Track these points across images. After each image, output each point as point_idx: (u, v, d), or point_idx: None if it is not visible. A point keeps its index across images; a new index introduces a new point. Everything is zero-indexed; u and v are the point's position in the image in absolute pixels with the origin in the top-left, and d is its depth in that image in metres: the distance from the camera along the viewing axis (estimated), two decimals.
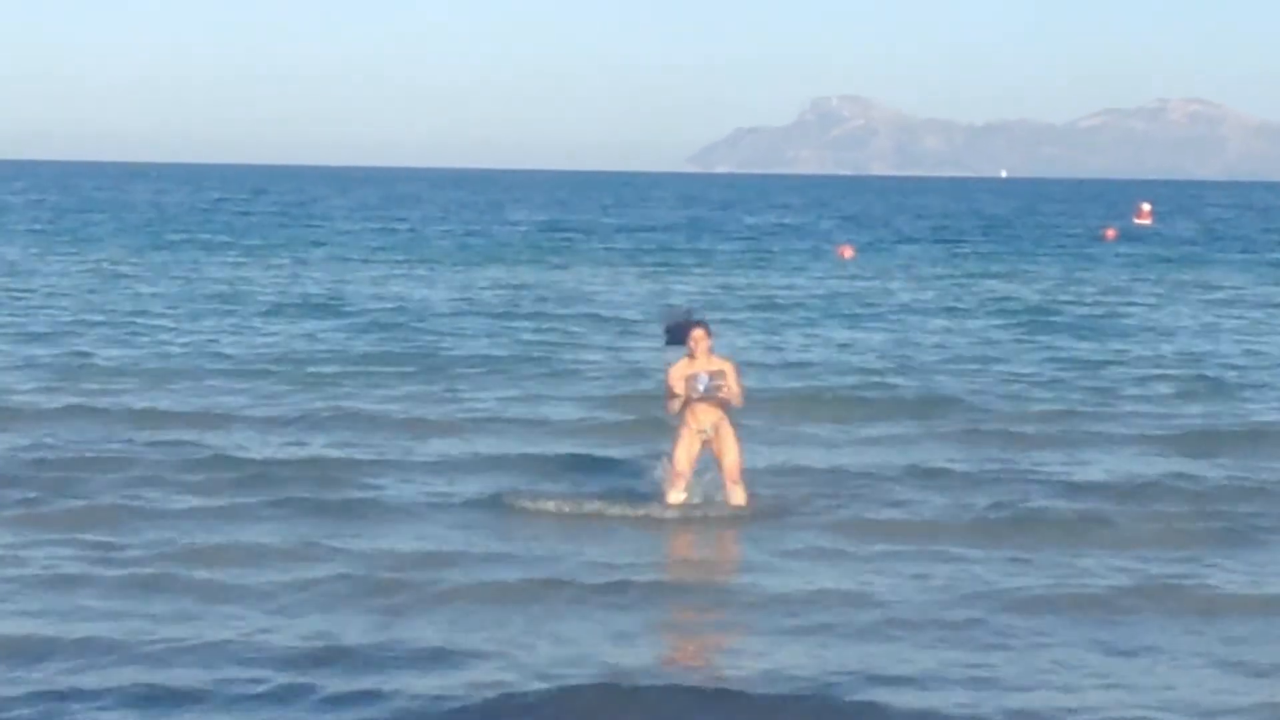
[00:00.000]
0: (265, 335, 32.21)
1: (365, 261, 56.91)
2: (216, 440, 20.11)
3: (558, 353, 30.08)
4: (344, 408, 22.76)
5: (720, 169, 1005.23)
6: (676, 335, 16.44)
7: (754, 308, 40.71)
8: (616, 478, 18.32)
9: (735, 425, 16.51)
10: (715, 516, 16.39)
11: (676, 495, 16.57)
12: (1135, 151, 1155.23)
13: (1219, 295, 46.53)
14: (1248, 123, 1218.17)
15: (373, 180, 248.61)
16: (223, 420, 21.65)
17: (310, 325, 34.38)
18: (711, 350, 16.33)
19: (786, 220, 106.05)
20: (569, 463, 19.25)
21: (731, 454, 16.44)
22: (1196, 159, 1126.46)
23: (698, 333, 16.26)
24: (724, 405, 16.32)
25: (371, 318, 36.38)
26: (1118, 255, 67.83)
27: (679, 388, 16.17)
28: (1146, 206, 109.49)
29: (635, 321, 36.47)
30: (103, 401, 23.02)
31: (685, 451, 16.44)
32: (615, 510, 16.52)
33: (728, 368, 16.36)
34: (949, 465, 19.33)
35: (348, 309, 38.31)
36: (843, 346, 31.97)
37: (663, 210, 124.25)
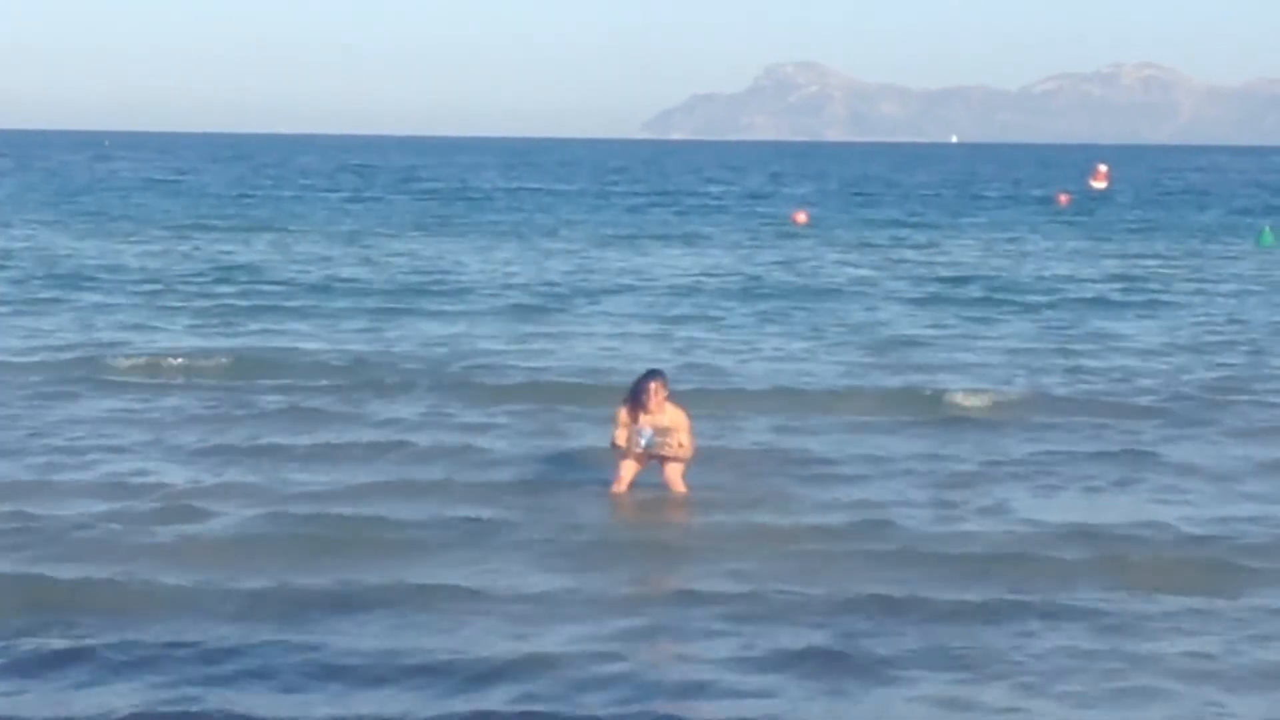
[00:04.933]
0: None
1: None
2: None
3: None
4: None
5: (675, 135, 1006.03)
6: (636, 389, 15.64)
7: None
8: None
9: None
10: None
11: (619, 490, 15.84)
12: (1090, 116, 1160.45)
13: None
14: (1199, 86, 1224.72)
15: (316, 148, 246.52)
16: None
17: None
18: (668, 399, 15.56)
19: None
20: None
21: (675, 473, 15.68)
22: (1150, 123, 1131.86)
23: (653, 385, 15.51)
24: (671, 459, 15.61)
25: None
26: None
27: (620, 439, 15.50)
28: (1103, 168, 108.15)
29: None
30: None
31: (628, 469, 15.73)
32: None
33: (680, 421, 15.54)
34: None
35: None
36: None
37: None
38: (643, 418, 15.47)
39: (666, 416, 15.48)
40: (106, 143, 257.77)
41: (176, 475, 16.46)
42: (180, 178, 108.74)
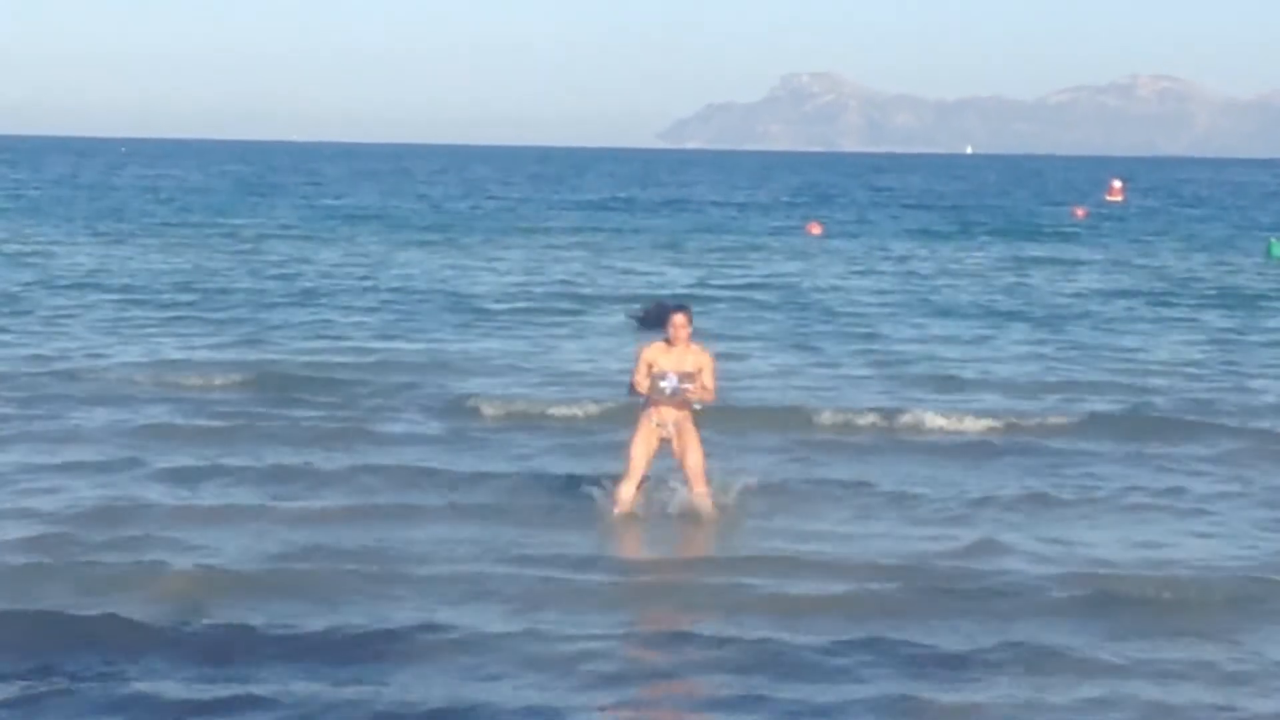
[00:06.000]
0: None
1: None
2: None
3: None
4: None
5: (691, 144, 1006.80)
6: (654, 319, 14.95)
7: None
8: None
9: (698, 427, 15.12)
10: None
11: (628, 490, 15.07)
12: (1105, 127, 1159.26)
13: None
14: (1215, 98, 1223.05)
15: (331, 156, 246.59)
16: None
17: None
18: (691, 339, 14.88)
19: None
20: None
21: (694, 455, 14.98)
22: (1166, 135, 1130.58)
23: (679, 318, 14.76)
24: (689, 405, 14.94)
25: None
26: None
27: (643, 384, 14.77)
28: (1118, 184, 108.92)
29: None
30: None
31: (643, 447, 14.97)
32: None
33: (705, 363, 14.86)
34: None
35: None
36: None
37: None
38: (663, 359, 14.74)
39: (691, 357, 14.79)
40: (123, 150, 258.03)
41: (157, 496, 15.86)
42: (199, 184, 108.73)
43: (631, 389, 14.97)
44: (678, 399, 14.73)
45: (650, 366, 14.79)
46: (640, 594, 12.95)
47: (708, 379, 14.80)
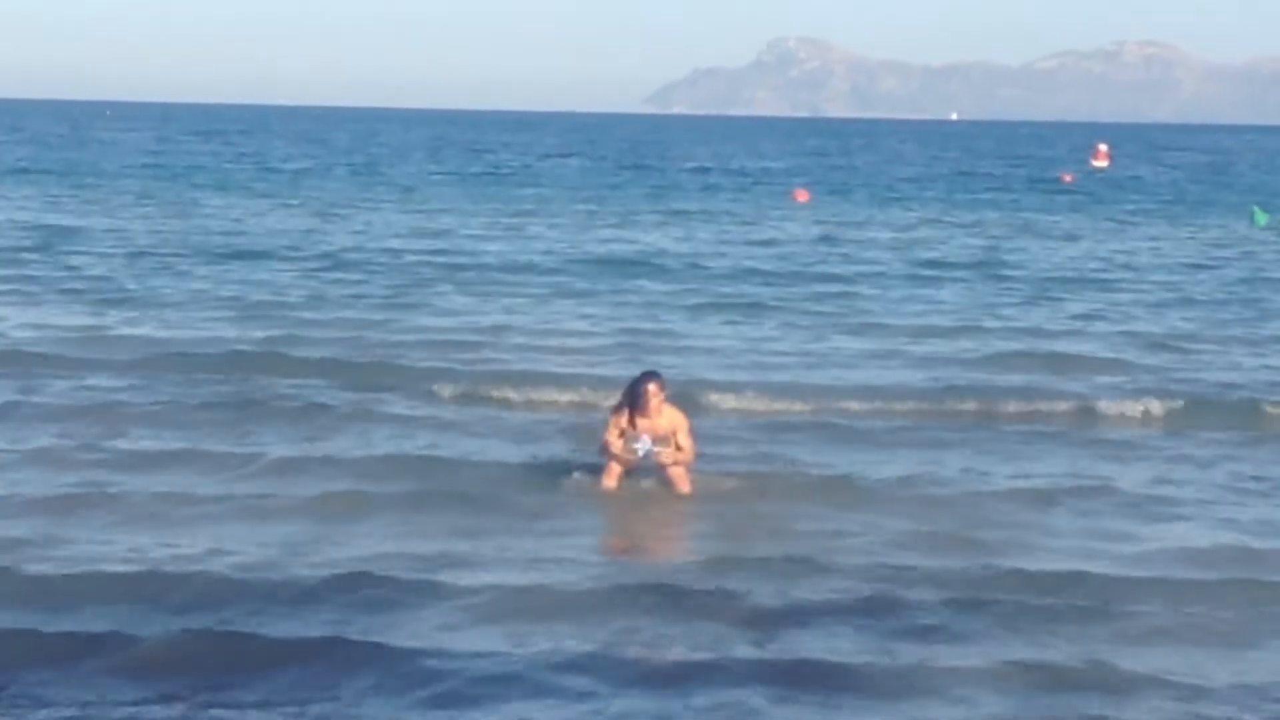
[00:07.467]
0: None
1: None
2: None
3: None
4: None
5: (677, 109, 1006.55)
6: (628, 394, 14.62)
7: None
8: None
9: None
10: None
11: (614, 469, 14.73)
12: (1090, 93, 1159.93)
13: None
14: (1201, 65, 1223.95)
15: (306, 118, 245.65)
16: None
17: None
18: (667, 400, 14.58)
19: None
20: None
21: (679, 473, 14.67)
22: (1151, 101, 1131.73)
23: (651, 387, 14.46)
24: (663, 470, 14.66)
25: None
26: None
27: (615, 444, 14.53)
28: (1104, 148, 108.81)
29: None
30: None
31: (619, 463, 14.70)
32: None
33: (679, 424, 14.58)
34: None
35: None
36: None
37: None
38: (640, 422, 14.47)
39: (665, 419, 14.50)
40: (108, 113, 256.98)
41: (102, 488, 14.86)
42: (176, 148, 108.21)
43: (603, 449, 14.71)
44: (652, 459, 14.53)
45: (622, 430, 14.53)
46: (593, 599, 11.86)
47: (684, 439, 14.59)
